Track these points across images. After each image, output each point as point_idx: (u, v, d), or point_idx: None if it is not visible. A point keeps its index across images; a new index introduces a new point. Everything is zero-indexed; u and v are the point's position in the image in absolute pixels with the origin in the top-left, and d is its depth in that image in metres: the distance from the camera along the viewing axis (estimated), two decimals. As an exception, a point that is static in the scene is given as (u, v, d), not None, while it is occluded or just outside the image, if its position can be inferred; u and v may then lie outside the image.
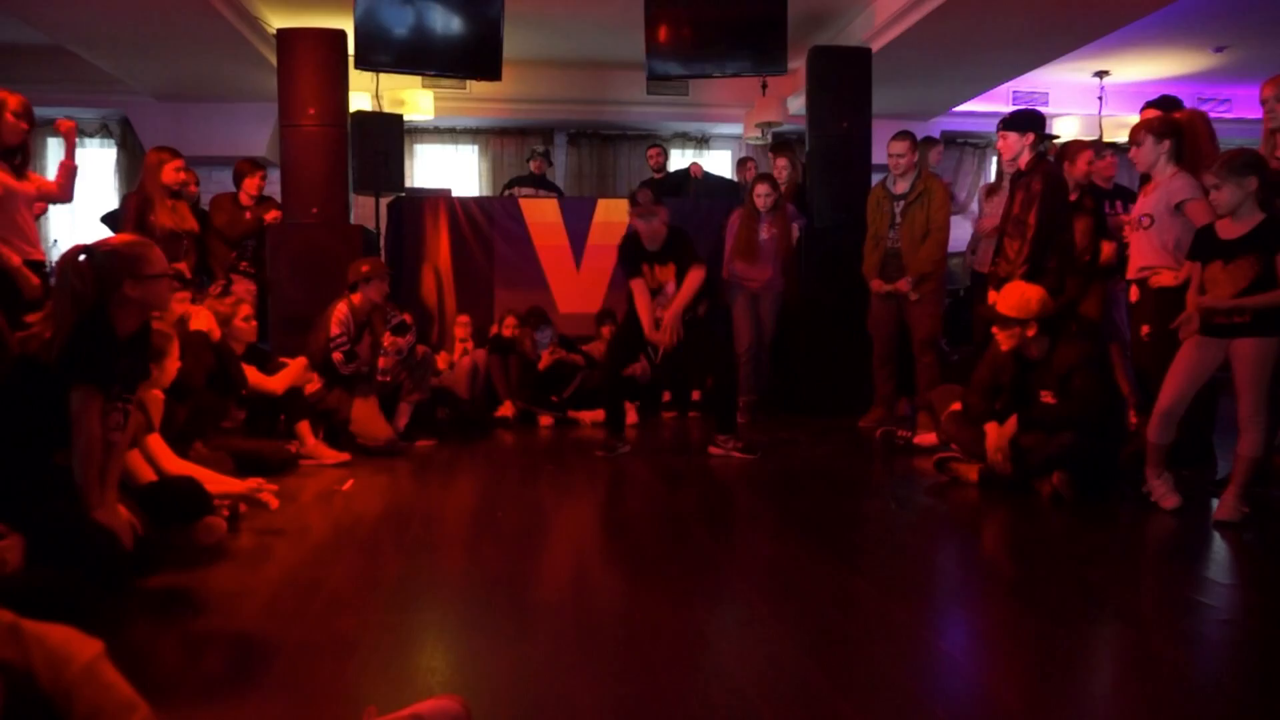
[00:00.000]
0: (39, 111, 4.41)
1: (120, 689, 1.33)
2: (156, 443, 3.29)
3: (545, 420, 5.93)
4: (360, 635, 2.25)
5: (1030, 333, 3.84)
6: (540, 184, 7.98)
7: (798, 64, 7.45)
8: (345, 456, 4.60)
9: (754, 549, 3.25)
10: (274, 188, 6.20)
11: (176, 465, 3.30)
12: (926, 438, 4.84)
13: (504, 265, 6.86)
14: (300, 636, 2.26)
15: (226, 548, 3.06)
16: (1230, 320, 3.31)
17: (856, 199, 5.98)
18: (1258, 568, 3.01)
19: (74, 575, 2.23)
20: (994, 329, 3.97)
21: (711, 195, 7.53)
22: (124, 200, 6.27)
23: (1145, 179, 4.05)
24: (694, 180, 7.86)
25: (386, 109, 7.59)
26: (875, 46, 6.83)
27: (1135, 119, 4.22)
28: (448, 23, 6.90)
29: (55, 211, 8.94)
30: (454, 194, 7.32)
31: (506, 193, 7.67)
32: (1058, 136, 8.56)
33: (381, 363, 4.95)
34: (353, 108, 6.34)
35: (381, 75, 7.32)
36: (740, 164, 8.62)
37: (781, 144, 7.72)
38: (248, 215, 6.06)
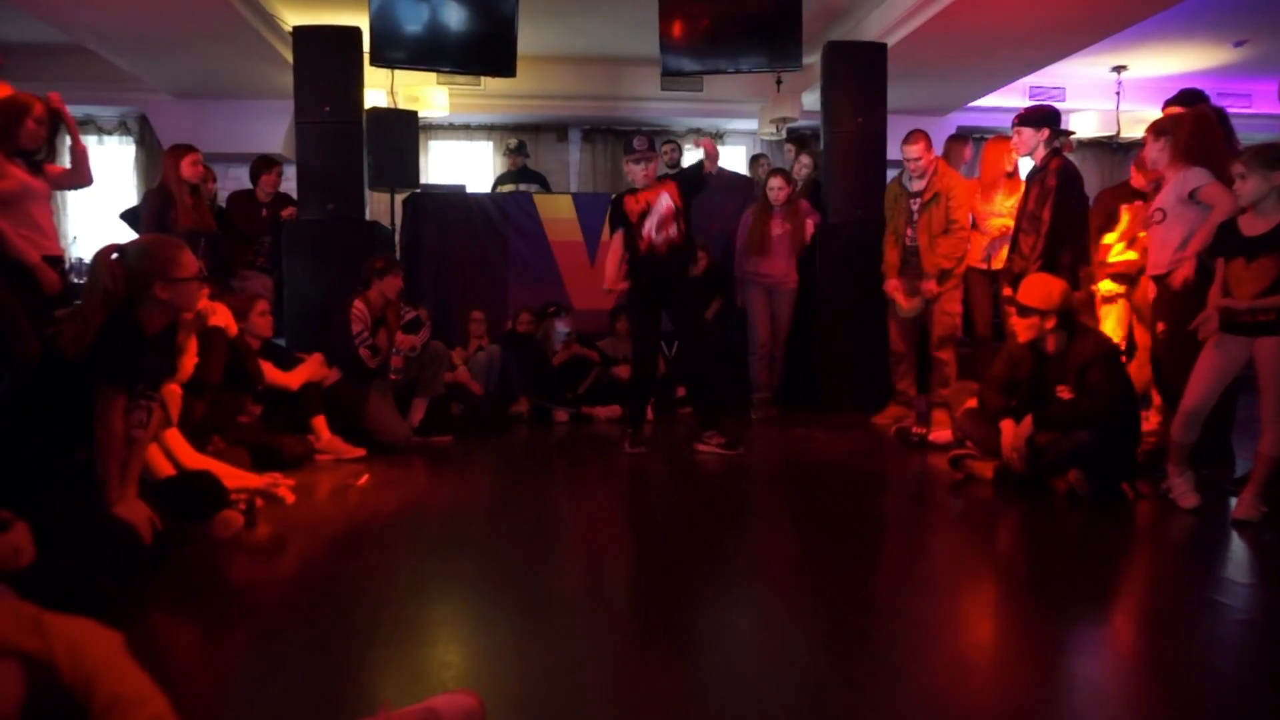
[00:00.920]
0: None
1: (139, 680, 1.35)
2: (174, 437, 3.31)
3: (560, 416, 5.95)
4: (375, 629, 2.27)
5: (1049, 324, 3.82)
6: (522, 177, 7.99)
7: (813, 59, 7.43)
8: (361, 452, 4.63)
9: (769, 546, 3.24)
10: (290, 184, 6.23)
11: (194, 460, 3.33)
12: (941, 434, 4.82)
13: (518, 261, 6.87)
14: (316, 630, 2.27)
15: (243, 541, 3.09)
16: (1254, 319, 3.27)
17: (872, 195, 5.96)
18: (1276, 567, 2.99)
19: (94, 568, 2.25)
20: (1012, 320, 3.95)
21: (725, 190, 7.50)
22: (144, 197, 6.32)
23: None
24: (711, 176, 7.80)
25: (402, 105, 7.62)
26: (891, 42, 6.79)
27: (1153, 114, 4.19)
28: (462, 19, 6.92)
29: (74, 208, 9.04)
30: (469, 190, 7.34)
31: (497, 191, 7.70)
32: (1073, 132, 8.49)
33: (393, 361, 4.97)
34: (368, 104, 6.36)
35: (397, 72, 7.35)
36: (754, 160, 8.60)
37: (802, 140, 7.68)
38: (264, 212, 6.10)
